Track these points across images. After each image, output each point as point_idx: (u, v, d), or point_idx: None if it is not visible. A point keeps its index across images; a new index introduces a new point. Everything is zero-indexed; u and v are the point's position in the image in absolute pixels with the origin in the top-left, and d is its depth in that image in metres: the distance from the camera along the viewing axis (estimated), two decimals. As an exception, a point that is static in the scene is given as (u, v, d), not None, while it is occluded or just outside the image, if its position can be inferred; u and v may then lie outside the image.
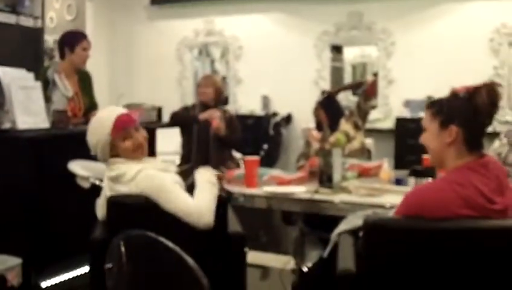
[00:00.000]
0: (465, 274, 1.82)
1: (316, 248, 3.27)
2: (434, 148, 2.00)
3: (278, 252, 4.16)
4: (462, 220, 1.82)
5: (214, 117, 4.12)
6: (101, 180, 3.12)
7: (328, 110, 4.00)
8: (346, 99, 5.90)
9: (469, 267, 1.82)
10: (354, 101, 4.41)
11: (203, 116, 4.16)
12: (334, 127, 3.85)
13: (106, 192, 2.38)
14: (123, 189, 2.30)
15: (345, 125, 3.95)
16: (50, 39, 6.59)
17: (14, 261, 3.11)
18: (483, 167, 1.89)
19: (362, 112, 4.03)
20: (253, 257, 3.42)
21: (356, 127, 3.99)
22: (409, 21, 6.35)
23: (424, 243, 1.84)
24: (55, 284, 3.29)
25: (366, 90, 4.04)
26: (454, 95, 1.96)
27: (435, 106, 2.00)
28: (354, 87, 4.60)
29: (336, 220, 2.64)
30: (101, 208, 2.46)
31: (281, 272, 3.85)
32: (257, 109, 6.98)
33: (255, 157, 3.18)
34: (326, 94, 4.26)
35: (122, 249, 1.58)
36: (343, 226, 2.39)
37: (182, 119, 4.37)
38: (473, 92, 1.91)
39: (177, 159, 4.50)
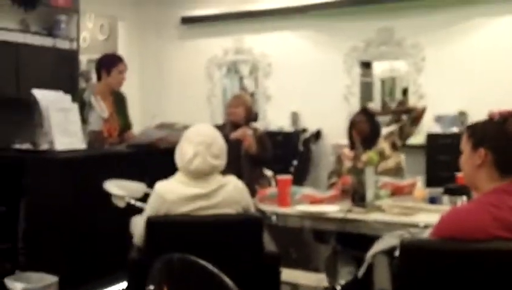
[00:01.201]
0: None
1: (348, 266, 3.27)
2: (466, 171, 2.03)
3: (308, 270, 4.15)
4: (499, 242, 1.81)
5: (246, 136, 4.15)
6: (136, 199, 3.19)
7: (368, 126, 3.99)
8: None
9: (505, 288, 1.81)
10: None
11: (235, 135, 4.19)
12: (370, 144, 3.84)
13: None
14: None
15: (382, 144, 3.95)
16: (83, 59, 6.73)
17: (51, 279, 3.17)
18: None
19: (404, 134, 4.04)
20: (285, 274, 3.43)
21: (394, 147, 3.99)
22: (439, 36, 6.31)
23: (461, 265, 1.83)
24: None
25: (415, 116, 4.05)
26: (489, 118, 1.98)
27: (470, 128, 2.03)
28: (403, 112, 4.60)
29: (368, 238, 2.64)
30: (139, 227, 2.51)
31: (312, 290, 3.85)
32: (286, 125, 7.00)
33: (288, 177, 3.20)
34: (368, 111, 4.25)
35: (163, 272, 1.62)
36: (378, 246, 2.39)
37: None
38: (506, 117, 1.93)
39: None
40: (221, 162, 2.51)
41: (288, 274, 3.91)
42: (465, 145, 2.02)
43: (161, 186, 2.51)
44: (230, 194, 2.46)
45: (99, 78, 3.99)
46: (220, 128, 4.50)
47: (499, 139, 1.93)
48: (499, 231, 1.82)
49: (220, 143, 2.53)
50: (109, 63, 3.96)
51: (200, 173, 2.43)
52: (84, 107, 3.64)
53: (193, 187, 2.43)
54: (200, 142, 2.46)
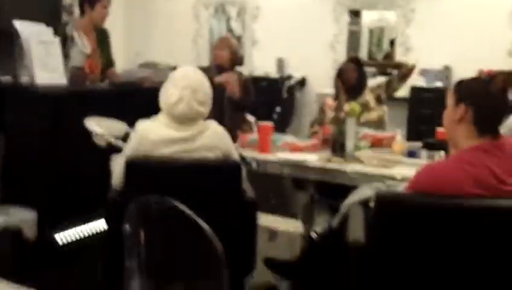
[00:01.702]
0: (472, 251, 1.86)
1: (325, 215, 3.32)
2: (447, 125, 2.07)
3: (286, 216, 4.21)
4: (472, 199, 1.85)
5: (230, 81, 4.13)
6: (117, 138, 3.17)
7: (355, 75, 3.98)
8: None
9: (477, 244, 1.86)
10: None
11: (218, 79, 4.17)
12: (355, 94, 3.84)
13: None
14: None
15: (368, 95, 3.95)
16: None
17: (30, 214, 3.18)
18: (498, 149, 1.92)
19: (391, 89, 4.05)
20: (263, 219, 3.47)
21: (378, 100, 4.00)
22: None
23: (434, 219, 1.87)
24: (70, 238, 3.37)
25: (405, 73, 4.07)
26: (477, 76, 1.99)
27: (457, 84, 2.04)
28: (392, 67, 4.61)
29: (346, 188, 2.68)
30: (118, 167, 2.51)
31: (289, 236, 3.92)
32: (272, 72, 6.96)
33: (269, 123, 3.20)
34: (358, 60, 4.23)
35: (139, 213, 1.63)
36: (353, 197, 2.43)
37: None
38: (493, 77, 1.95)
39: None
40: (206, 108, 2.49)
41: (266, 220, 3.97)
42: (449, 99, 2.03)
43: (143, 126, 2.49)
44: (210, 139, 2.45)
45: (82, 12, 3.88)
46: (205, 70, 4.46)
47: (480, 97, 1.95)
48: (473, 189, 1.86)
49: (206, 89, 2.50)
50: None
51: (183, 117, 2.42)
52: (66, 42, 3.56)
53: (175, 130, 2.42)
54: (186, 87, 2.42)
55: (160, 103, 2.51)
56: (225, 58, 4.29)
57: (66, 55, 3.47)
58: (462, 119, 1.96)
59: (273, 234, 4.02)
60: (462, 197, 1.86)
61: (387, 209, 1.92)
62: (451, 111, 2.00)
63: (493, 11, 5.96)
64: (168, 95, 2.46)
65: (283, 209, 4.28)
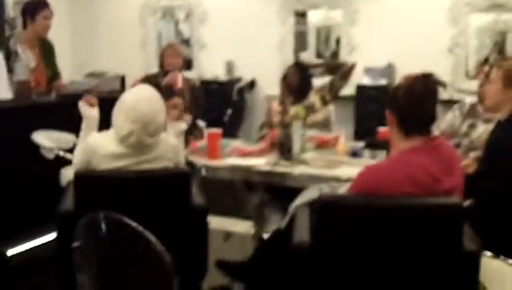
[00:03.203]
0: (410, 248, 1.97)
1: (276, 216, 3.41)
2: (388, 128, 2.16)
3: (240, 217, 4.29)
4: (408, 198, 1.96)
5: (176, 80, 4.13)
6: (66, 151, 3.18)
7: (299, 78, 4.07)
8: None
9: (415, 241, 1.97)
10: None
11: (166, 80, 4.18)
12: (300, 97, 3.94)
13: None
14: None
15: (313, 97, 4.05)
16: (9, 1, 6.44)
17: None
18: (434, 149, 2.04)
19: (334, 89, 4.14)
20: (216, 222, 3.53)
21: (323, 101, 4.10)
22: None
23: (373, 219, 1.98)
24: (21, 252, 3.36)
25: (345, 72, 4.16)
26: (402, 82, 2.10)
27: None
28: (333, 67, 4.70)
29: (296, 189, 2.77)
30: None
31: (242, 237, 3.99)
32: (221, 74, 7.00)
33: (218, 130, 3.26)
34: (300, 64, 4.33)
35: (88, 229, 1.67)
36: (300, 199, 2.52)
37: (145, 81, 4.36)
38: (410, 81, 2.06)
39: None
40: (158, 137, 2.48)
41: (219, 222, 4.04)
42: None
43: (93, 139, 2.51)
44: (162, 150, 2.49)
45: (24, 25, 3.86)
46: (152, 78, 4.49)
47: (399, 101, 2.06)
48: (410, 188, 1.98)
49: (158, 119, 2.44)
50: (33, 8, 3.82)
51: (135, 147, 2.43)
52: (10, 57, 3.53)
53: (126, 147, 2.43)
54: (136, 120, 2.38)
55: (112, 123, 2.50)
56: (178, 66, 4.28)
57: (10, 70, 3.45)
58: (391, 123, 2.09)
59: (227, 235, 4.10)
60: (399, 196, 1.97)
61: (329, 210, 2.01)
62: (387, 117, 2.12)
63: (433, 9, 6.15)
64: (118, 126, 2.43)
65: (236, 211, 4.36)
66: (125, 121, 2.39)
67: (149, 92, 2.52)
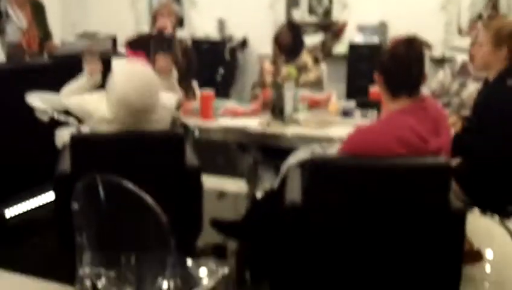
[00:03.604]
0: (399, 207, 2.03)
1: (269, 175, 3.47)
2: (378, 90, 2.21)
3: (234, 175, 4.35)
4: (396, 158, 2.02)
5: (166, 24, 4.10)
6: (59, 113, 3.20)
7: (292, 38, 4.07)
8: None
9: (404, 200, 2.03)
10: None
11: (155, 27, 4.16)
12: (293, 56, 3.95)
13: None
14: None
15: (305, 57, 4.07)
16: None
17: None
18: (421, 110, 2.10)
19: (326, 48, 4.16)
20: (210, 181, 3.60)
21: (316, 60, 4.11)
22: None
23: (364, 179, 2.04)
24: (19, 213, 3.42)
25: (337, 31, 4.16)
26: (390, 45, 2.15)
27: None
28: (324, 27, 4.70)
29: (288, 148, 2.82)
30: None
31: (235, 196, 4.07)
32: (213, 33, 6.96)
33: (210, 91, 3.29)
34: (293, 24, 4.32)
35: (86, 192, 1.72)
36: (291, 160, 2.57)
37: (138, 40, 4.34)
38: (397, 43, 2.10)
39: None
40: (155, 103, 2.46)
41: (213, 182, 4.11)
42: None
43: (90, 101, 2.51)
44: (161, 114, 2.53)
45: (14, -15, 3.82)
46: (146, 38, 4.44)
47: (386, 63, 2.13)
48: (399, 149, 2.03)
49: (149, 110, 2.41)
50: None
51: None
52: (1, 18, 3.51)
53: None
54: (125, 113, 2.37)
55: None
56: (170, 26, 4.25)
57: (1, 31, 3.44)
58: (379, 85, 2.15)
59: (220, 194, 4.17)
60: (388, 157, 2.02)
61: (320, 171, 2.07)
62: (376, 79, 2.18)
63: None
64: (108, 108, 2.40)
65: (230, 170, 4.43)
66: (115, 108, 2.38)
67: (140, 76, 2.38)
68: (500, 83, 2.69)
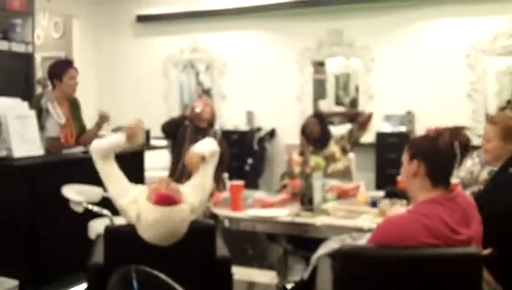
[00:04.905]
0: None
1: (299, 266, 3.45)
2: (404, 179, 2.26)
3: (263, 266, 4.33)
4: (425, 248, 2.02)
5: (198, 106, 4.21)
6: (94, 205, 3.30)
7: (319, 129, 4.17)
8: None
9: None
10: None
11: (188, 110, 4.27)
12: (321, 146, 4.04)
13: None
14: None
15: (333, 147, 4.15)
16: (37, 57, 6.67)
17: (11, 283, 3.26)
18: (450, 201, 2.11)
19: (353, 138, 4.26)
20: (240, 272, 3.59)
21: (343, 150, 4.19)
22: (387, 38, 6.56)
23: (393, 269, 2.03)
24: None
25: (363, 121, 4.28)
26: (426, 134, 2.19)
27: (410, 142, 2.25)
28: (351, 117, 4.84)
29: (318, 239, 2.82)
30: None
31: (265, 287, 4.03)
32: (241, 124, 7.15)
33: (240, 182, 3.35)
34: (320, 114, 4.45)
35: (121, 283, 1.75)
36: (322, 250, 2.57)
37: (172, 122, 4.44)
38: (439, 133, 2.14)
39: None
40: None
41: (243, 272, 4.09)
42: (404, 156, 2.23)
43: (132, 214, 2.50)
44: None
45: (53, 85, 4.03)
46: (176, 122, 4.52)
47: (430, 153, 2.15)
48: (428, 239, 2.03)
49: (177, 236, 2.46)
50: (59, 70, 4.00)
51: None
52: (42, 114, 3.70)
53: None
54: (155, 239, 2.42)
55: None
56: (209, 114, 4.35)
57: (41, 127, 3.61)
58: (417, 173, 2.15)
59: (251, 285, 4.14)
60: (418, 247, 2.03)
61: (350, 261, 2.07)
62: (406, 167, 2.19)
63: (450, 55, 6.25)
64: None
65: (260, 261, 4.40)
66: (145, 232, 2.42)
67: (166, 222, 2.40)
68: (504, 173, 2.77)
